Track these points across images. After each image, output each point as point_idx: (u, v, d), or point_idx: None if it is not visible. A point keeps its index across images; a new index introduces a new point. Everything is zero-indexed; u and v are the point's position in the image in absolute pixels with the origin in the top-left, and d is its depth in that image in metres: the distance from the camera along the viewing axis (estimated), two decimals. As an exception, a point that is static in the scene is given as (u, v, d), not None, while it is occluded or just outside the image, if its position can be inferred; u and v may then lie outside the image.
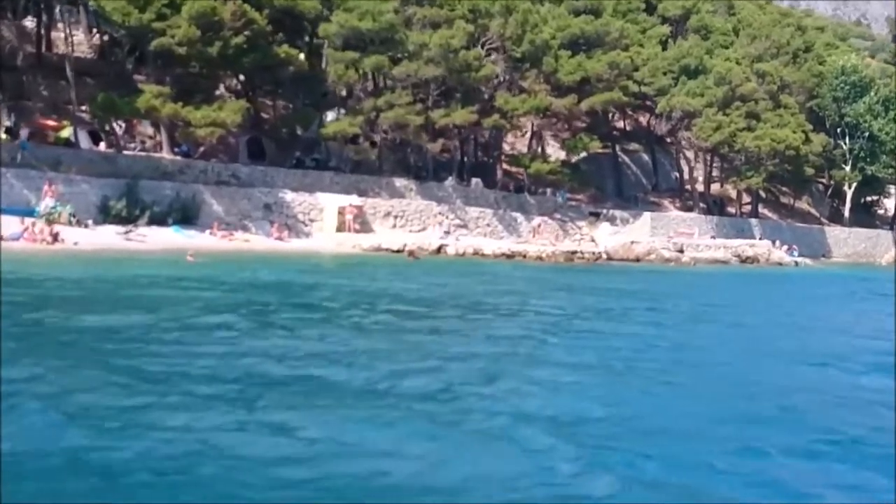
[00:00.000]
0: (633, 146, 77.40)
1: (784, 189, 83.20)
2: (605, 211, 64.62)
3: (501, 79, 57.19)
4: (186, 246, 39.30)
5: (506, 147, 65.59)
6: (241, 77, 52.54)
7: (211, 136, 43.53)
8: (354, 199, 48.42)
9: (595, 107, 61.05)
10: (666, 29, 73.24)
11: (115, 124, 47.36)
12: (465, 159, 61.11)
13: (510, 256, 44.78)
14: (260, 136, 50.44)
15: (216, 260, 33.91)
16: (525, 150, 65.13)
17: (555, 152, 73.52)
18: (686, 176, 74.37)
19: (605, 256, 49.37)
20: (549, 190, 64.16)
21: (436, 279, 32.52)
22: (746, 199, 76.54)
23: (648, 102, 71.83)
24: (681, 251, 52.02)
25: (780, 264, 56.14)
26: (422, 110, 51.83)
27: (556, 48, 58.83)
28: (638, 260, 49.83)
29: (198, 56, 43.76)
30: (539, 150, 67.17)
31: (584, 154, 74.05)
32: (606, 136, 74.34)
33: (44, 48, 50.22)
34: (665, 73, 68.08)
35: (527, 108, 55.15)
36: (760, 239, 69.29)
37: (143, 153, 45.59)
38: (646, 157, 76.92)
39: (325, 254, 42.32)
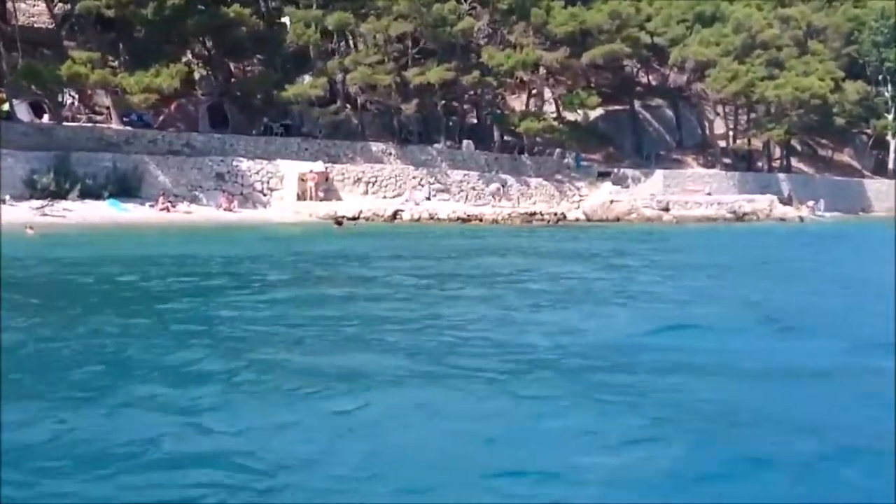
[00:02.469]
0: (657, 102, 71.60)
1: (823, 141, 76.62)
2: (615, 170, 59.41)
3: (487, 33, 52.35)
4: (117, 220, 36.15)
5: (517, 107, 60.70)
6: (209, 42, 48.82)
7: (146, 103, 39.69)
8: (317, 166, 44.33)
9: (596, 60, 55.67)
10: (682, -25, 67.12)
11: (68, 95, 44.16)
12: (459, 120, 56.32)
13: (466, 220, 40.35)
14: (222, 102, 46.53)
15: (65, 234, 30.31)
16: (538, 109, 60.15)
17: (571, 112, 68.47)
18: (708, 131, 68.51)
19: (584, 217, 44.74)
20: (557, 151, 59.26)
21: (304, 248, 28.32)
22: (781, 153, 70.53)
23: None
24: (666, 209, 46.71)
25: (783, 220, 50.35)
26: (394, 69, 47.40)
27: (550, -1, 53.69)
28: (618, 219, 44.90)
29: (134, 19, 40.04)
30: (551, 109, 62.26)
31: (600, 111, 68.85)
32: (624, 91, 68.99)
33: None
34: (679, 22, 62.34)
35: (512, 63, 50.15)
36: (789, 195, 63.43)
37: (88, 124, 42.10)
38: (670, 112, 71.10)
39: (265, 223, 38.40)
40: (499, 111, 55.58)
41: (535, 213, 41.79)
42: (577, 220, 45.22)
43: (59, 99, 43.65)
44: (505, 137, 57.09)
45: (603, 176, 57.37)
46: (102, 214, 36.29)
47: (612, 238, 34.70)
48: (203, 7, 43.38)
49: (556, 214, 42.26)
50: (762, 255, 29.56)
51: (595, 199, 47.86)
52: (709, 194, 52.99)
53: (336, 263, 23.24)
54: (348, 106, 51.82)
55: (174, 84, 39.47)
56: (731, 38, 60.91)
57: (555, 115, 62.70)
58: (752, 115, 67.32)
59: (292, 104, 45.63)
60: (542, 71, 55.42)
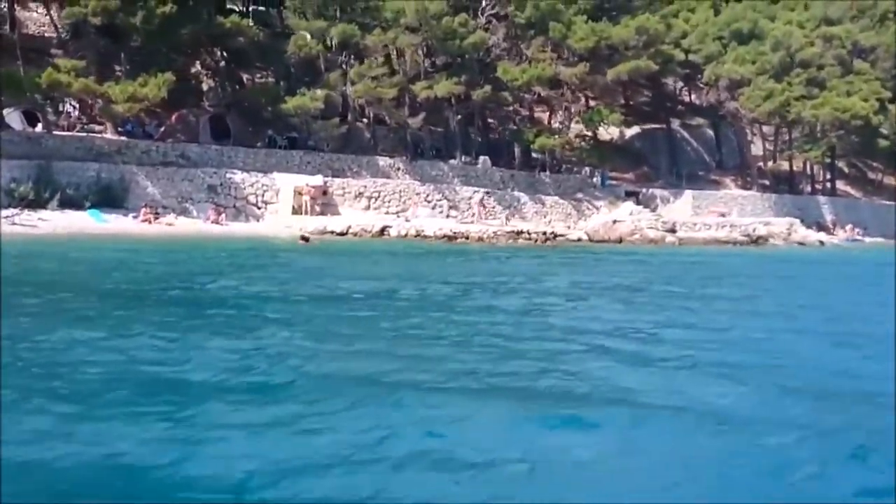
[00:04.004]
0: (698, 121, 67.90)
1: (876, 164, 71.85)
2: (644, 190, 56.13)
3: (504, 47, 49.55)
4: (90, 231, 34.33)
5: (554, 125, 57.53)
6: (225, 53, 47.12)
7: (130, 112, 37.93)
8: (314, 179, 42.10)
9: (622, 76, 52.38)
10: (722, -9, 63.36)
11: (68, 104, 42.72)
12: (480, 136, 53.58)
13: (452, 238, 37.61)
14: (224, 114, 44.60)
15: None
16: (564, 126, 56.98)
17: (607, 130, 65.29)
18: (747, 152, 64.56)
19: (586, 238, 41.78)
20: (586, 169, 56.27)
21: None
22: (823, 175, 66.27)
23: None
24: (672, 230, 43.26)
25: (803, 244, 46.41)
26: (400, 82, 45.04)
27: (575, 13, 50.66)
28: (620, 240, 41.68)
29: (127, 27, 38.40)
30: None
31: (636, 130, 65.64)
32: (661, 109, 65.69)
33: (9, 29, 45.47)
34: (715, 40, 58.73)
35: (527, 77, 47.27)
36: (833, 219, 59.43)
37: (80, 134, 40.45)
38: (710, 132, 67.34)
39: (247, 237, 36.13)
40: (515, 127, 52.65)
41: (521, 232, 38.80)
42: (579, 240, 42.18)
43: (60, 108, 42.41)
44: (534, 155, 54.36)
45: (630, 196, 54.21)
46: (77, 225, 34.53)
47: (567, 262, 31.45)
48: (207, 16, 41.58)
49: (544, 234, 39.16)
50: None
51: (597, 219, 44.70)
52: (722, 215, 49.36)
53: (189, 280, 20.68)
54: (365, 120, 49.73)
55: (161, 94, 37.59)
56: (769, 56, 57.14)
57: (588, 132, 59.94)
58: (797, 136, 63.41)
59: (292, 116, 43.40)
60: (566, 87, 52.55)
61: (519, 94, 50.13)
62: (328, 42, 44.17)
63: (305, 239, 34.68)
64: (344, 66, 45.63)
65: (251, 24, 44.64)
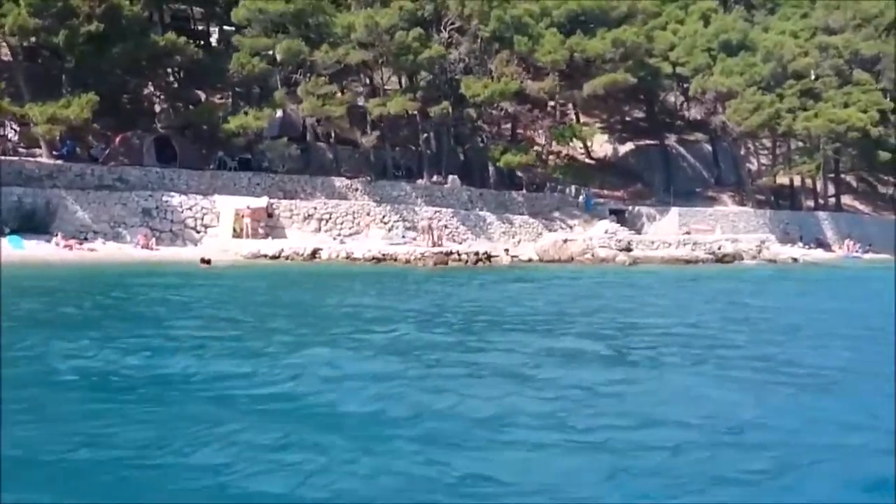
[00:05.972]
0: (696, 136, 64.13)
1: (888, 178, 67.33)
2: (630, 208, 52.76)
3: (468, 63, 46.58)
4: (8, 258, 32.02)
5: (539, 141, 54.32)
6: (179, 73, 44.94)
7: (50, 134, 35.63)
8: (256, 201, 39.48)
9: (597, 90, 49.05)
10: (711, 3, 59.64)
11: (9, 128, 40.69)
12: (448, 154, 50.46)
13: (380, 260, 34.70)
14: (168, 135, 42.16)
15: None
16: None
17: (601, 147, 62.09)
18: (743, 167, 60.67)
19: (536, 258, 38.64)
20: (573, 188, 53.09)
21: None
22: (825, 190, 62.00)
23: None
24: (627, 249, 39.76)
25: (774, 261, 42.51)
26: (350, 98, 42.45)
27: (547, 26, 47.71)
28: (572, 260, 38.44)
29: (48, 47, 36.34)
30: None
31: (630, 146, 62.37)
32: (655, 125, 62.20)
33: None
34: (704, 51, 55.14)
35: (489, 93, 44.24)
36: (840, 235, 55.51)
37: (12, 157, 38.18)
38: (708, 147, 63.55)
39: (168, 262, 33.50)
40: (482, 145, 49.60)
41: (451, 253, 35.64)
42: (531, 260, 39.09)
43: (2, 132, 40.45)
44: (518, 174, 51.25)
45: (615, 214, 50.93)
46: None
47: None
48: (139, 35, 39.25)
49: (476, 254, 35.93)
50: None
51: (548, 238, 41.39)
52: (688, 233, 45.70)
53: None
54: (330, 140, 47.08)
55: (84, 115, 35.27)
56: (759, 68, 53.41)
57: (581, 149, 57.36)
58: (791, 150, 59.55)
59: (237, 136, 40.73)
60: (542, 102, 49.58)
61: (487, 111, 47.08)
62: (276, 59, 41.50)
63: (206, 262, 32.06)
64: (300, 84, 42.95)
65: (214, 41, 42.45)
